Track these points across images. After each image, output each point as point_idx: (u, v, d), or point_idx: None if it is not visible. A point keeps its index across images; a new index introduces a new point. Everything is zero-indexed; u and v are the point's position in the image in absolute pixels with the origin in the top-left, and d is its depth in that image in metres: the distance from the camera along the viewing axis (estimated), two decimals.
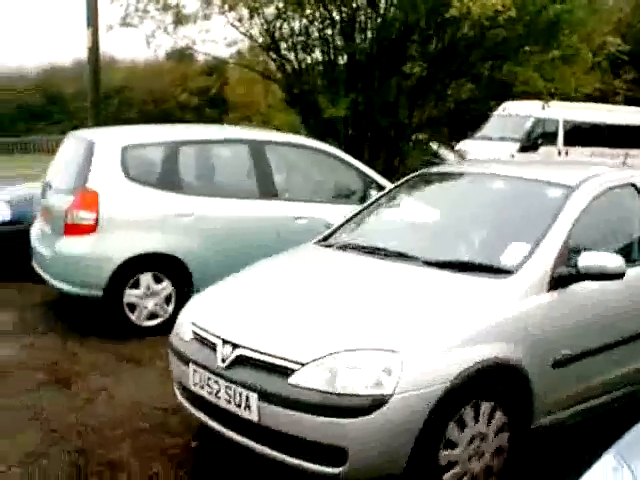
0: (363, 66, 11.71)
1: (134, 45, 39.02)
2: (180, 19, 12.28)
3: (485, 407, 3.94)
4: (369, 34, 11.94)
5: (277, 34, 12.42)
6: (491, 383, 3.97)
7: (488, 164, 7.04)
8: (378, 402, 3.59)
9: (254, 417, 3.82)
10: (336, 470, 3.68)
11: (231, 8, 11.94)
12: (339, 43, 12.24)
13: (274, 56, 12.74)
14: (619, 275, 4.35)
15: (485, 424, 3.95)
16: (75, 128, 9.11)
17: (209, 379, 4.06)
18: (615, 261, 4.34)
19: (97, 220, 6.69)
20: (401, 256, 4.75)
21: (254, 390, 3.79)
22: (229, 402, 3.94)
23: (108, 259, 6.72)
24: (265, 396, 3.76)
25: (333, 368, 3.68)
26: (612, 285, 4.44)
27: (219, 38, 12.83)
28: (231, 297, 4.75)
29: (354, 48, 11.83)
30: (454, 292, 4.27)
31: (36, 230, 7.87)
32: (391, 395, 3.60)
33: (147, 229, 6.90)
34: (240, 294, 4.75)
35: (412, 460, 3.72)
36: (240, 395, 3.85)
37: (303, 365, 3.72)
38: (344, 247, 5.17)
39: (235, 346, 3.99)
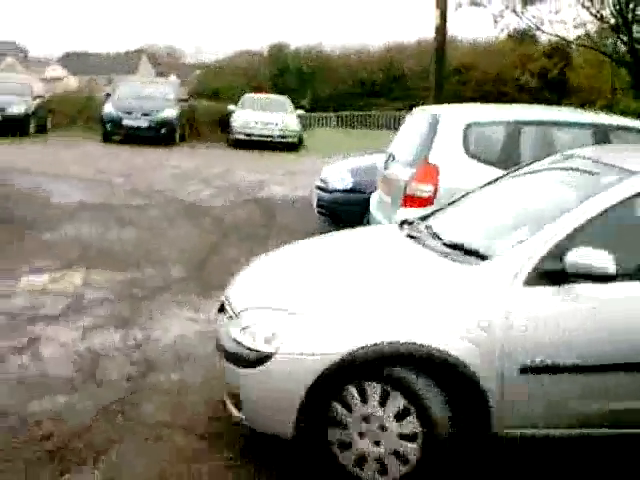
0: None
1: (476, 25, 39.03)
2: None
3: (393, 396, 3.75)
4: None
5: (630, 16, 11.85)
6: (399, 369, 3.73)
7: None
8: (262, 358, 3.80)
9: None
10: (239, 415, 4.04)
11: None
12: None
13: (625, 38, 12.18)
14: (606, 278, 3.69)
15: (382, 410, 3.77)
16: (412, 106, 9.42)
17: None
18: (601, 260, 3.68)
19: (435, 193, 6.91)
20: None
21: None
22: None
23: None
24: (219, 346, 4.23)
25: (243, 322, 4.01)
26: (614, 295, 3.79)
27: (567, 19, 12.55)
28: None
29: None
30: (414, 271, 4.20)
31: (375, 199, 8.32)
32: (273, 354, 3.77)
33: None
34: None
35: (299, 428, 3.77)
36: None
37: (236, 316, 4.11)
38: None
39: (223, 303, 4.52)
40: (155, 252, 8.83)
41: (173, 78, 45.81)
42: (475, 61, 39.43)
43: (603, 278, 3.70)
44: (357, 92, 41.64)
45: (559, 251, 3.77)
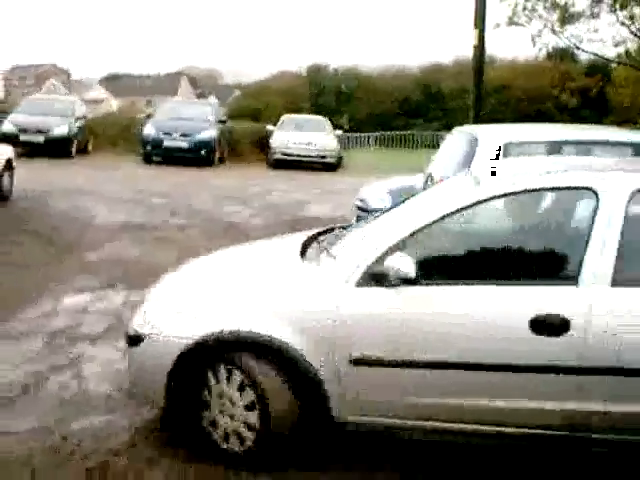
0: None
1: (514, 44, 39.03)
2: (567, 17, 12.14)
3: (235, 374, 4.25)
4: None
5: None
6: (240, 353, 4.24)
7: None
8: (135, 339, 4.48)
9: None
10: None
11: (622, 6, 11.57)
12: None
13: None
14: (410, 281, 4.00)
15: (235, 392, 4.27)
16: (451, 126, 9.41)
17: None
18: (405, 265, 4.00)
19: None
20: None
21: None
22: None
23: None
24: None
25: (141, 311, 4.69)
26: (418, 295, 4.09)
27: (607, 37, 12.50)
28: None
29: None
30: (272, 270, 4.73)
31: None
32: (145, 336, 4.41)
33: None
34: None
35: (168, 400, 4.39)
36: None
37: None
38: None
39: None
40: None
41: (212, 99, 46.34)
42: (514, 80, 39.40)
43: (408, 281, 4.01)
44: (395, 112, 41.80)
45: (386, 256, 4.10)
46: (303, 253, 4.75)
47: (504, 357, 3.97)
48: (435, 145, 28.42)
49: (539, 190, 4.44)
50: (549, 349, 3.91)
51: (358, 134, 34.72)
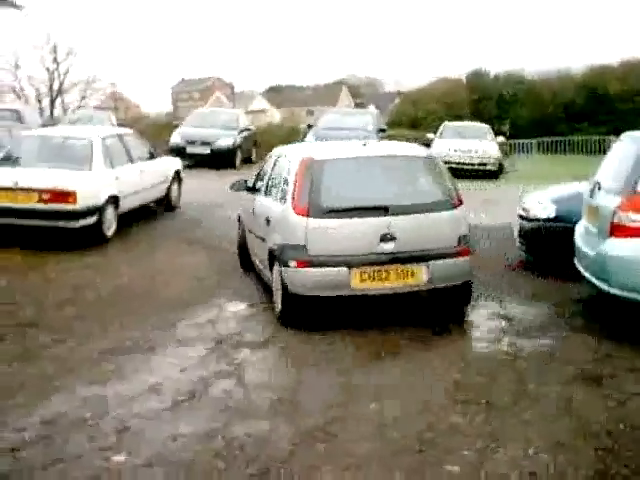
0: None
1: None
2: None
3: None
4: None
5: None
6: None
7: None
8: None
9: None
10: None
11: None
12: None
13: None
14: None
15: None
16: (618, 130, 8.98)
17: None
18: None
19: None
20: None
21: None
22: None
23: None
24: None
25: None
26: None
27: None
28: None
29: None
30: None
31: (581, 228, 8.00)
32: None
33: None
34: None
35: None
36: None
37: None
38: None
39: None
40: None
41: (372, 108, 46.54)
42: None
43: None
44: (559, 117, 40.49)
45: None
46: None
47: None
48: (601, 151, 27.40)
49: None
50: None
51: (520, 140, 33.91)
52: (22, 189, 10.06)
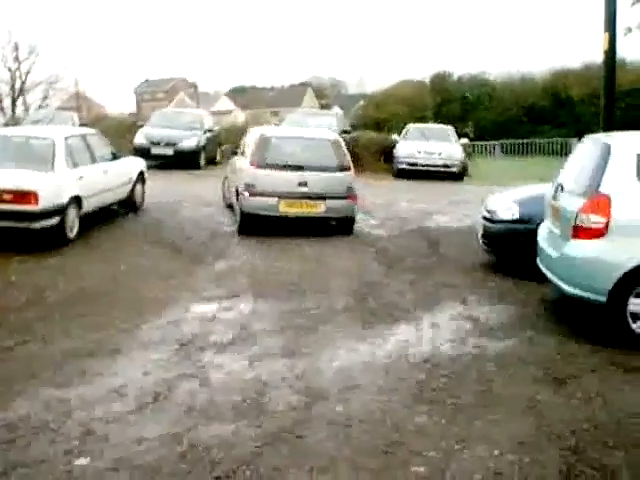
0: None
1: None
2: None
3: None
4: None
5: None
6: None
7: None
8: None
9: None
10: None
11: None
12: None
13: None
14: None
15: None
16: (579, 132, 9.07)
17: None
18: None
19: (607, 225, 6.64)
20: None
21: None
22: None
23: (615, 265, 6.61)
24: None
25: None
26: None
27: None
28: None
29: None
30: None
31: (544, 230, 8.08)
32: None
33: None
34: None
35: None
36: None
37: None
38: None
39: None
40: (319, 282, 8.96)
41: (337, 109, 46.60)
42: None
43: None
44: (522, 119, 40.87)
45: None
46: None
47: None
48: (563, 153, 27.72)
49: None
50: None
51: (484, 142, 34.16)
52: None
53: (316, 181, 11.72)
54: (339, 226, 12.25)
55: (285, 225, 11.89)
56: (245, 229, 11.82)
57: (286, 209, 11.66)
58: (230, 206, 13.67)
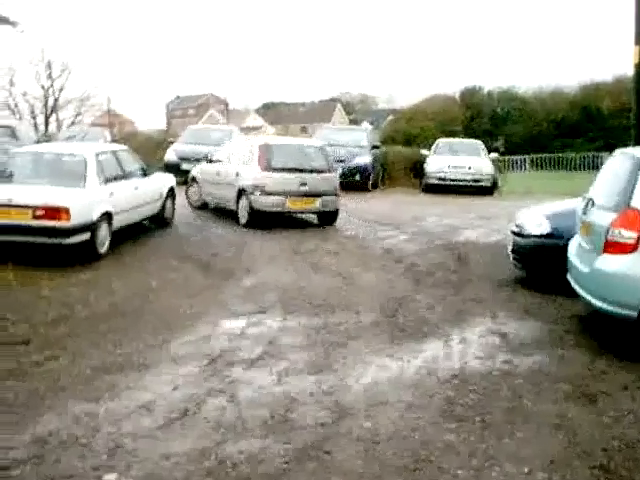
0: None
1: None
2: None
3: None
4: None
5: None
6: None
7: None
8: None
9: None
10: None
11: None
12: None
13: None
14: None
15: None
16: (611, 146, 9.00)
17: None
18: None
19: (639, 239, 6.56)
20: None
21: None
22: None
23: None
24: None
25: None
26: None
27: None
28: None
29: None
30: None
31: (575, 245, 8.01)
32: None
33: None
34: None
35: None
36: None
37: None
38: None
39: None
40: (348, 298, 8.94)
41: (366, 124, 46.67)
42: None
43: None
44: (552, 133, 40.70)
45: None
46: None
47: None
48: (594, 167, 27.49)
49: None
50: None
51: (513, 157, 34.03)
52: (16, 206, 10.03)
53: (313, 181, 14.09)
54: (325, 217, 14.72)
55: (285, 218, 14.39)
56: (253, 223, 13.76)
57: (291, 205, 13.95)
58: (205, 205, 16.02)
